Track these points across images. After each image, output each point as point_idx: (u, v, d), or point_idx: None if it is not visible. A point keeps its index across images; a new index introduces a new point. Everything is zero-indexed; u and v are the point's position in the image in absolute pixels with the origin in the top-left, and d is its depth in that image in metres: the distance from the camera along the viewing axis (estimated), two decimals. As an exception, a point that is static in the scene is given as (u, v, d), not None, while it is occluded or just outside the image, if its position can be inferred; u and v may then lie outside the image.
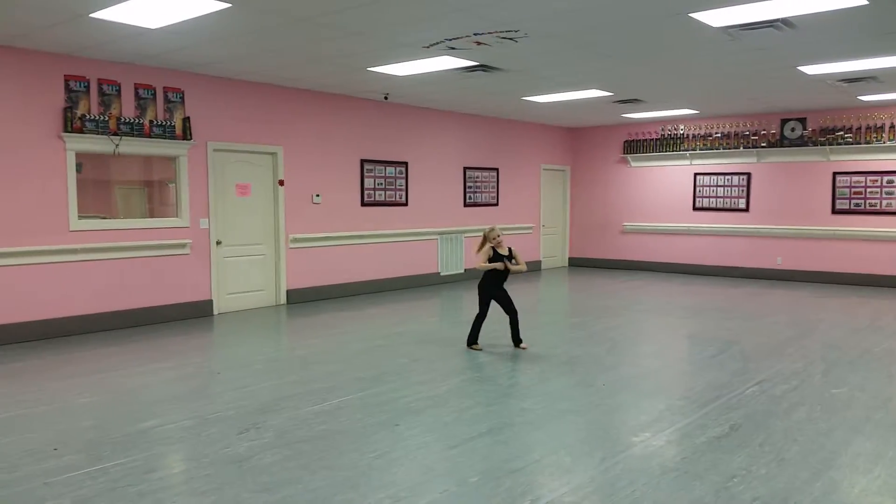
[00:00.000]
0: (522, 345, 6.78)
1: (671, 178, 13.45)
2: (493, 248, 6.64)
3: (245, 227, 8.95)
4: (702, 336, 7.70)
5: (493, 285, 6.70)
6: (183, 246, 8.19)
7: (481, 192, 12.55)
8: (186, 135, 8.05)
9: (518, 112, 12.04)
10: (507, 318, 6.83)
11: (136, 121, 7.64)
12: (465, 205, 12.22)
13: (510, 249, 6.73)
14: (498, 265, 6.61)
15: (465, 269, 12.08)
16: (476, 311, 6.83)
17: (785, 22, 5.99)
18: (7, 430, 4.49)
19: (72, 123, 7.16)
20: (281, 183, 9.20)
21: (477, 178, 12.43)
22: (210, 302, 8.55)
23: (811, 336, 7.49)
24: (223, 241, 8.66)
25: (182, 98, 8.04)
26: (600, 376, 5.88)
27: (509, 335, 6.87)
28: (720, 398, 5.17)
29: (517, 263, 6.70)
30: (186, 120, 8.05)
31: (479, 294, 6.78)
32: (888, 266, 11.24)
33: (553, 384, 5.68)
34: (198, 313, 8.41)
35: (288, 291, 9.45)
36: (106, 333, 7.49)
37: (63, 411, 4.91)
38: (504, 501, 3.38)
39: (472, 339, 6.82)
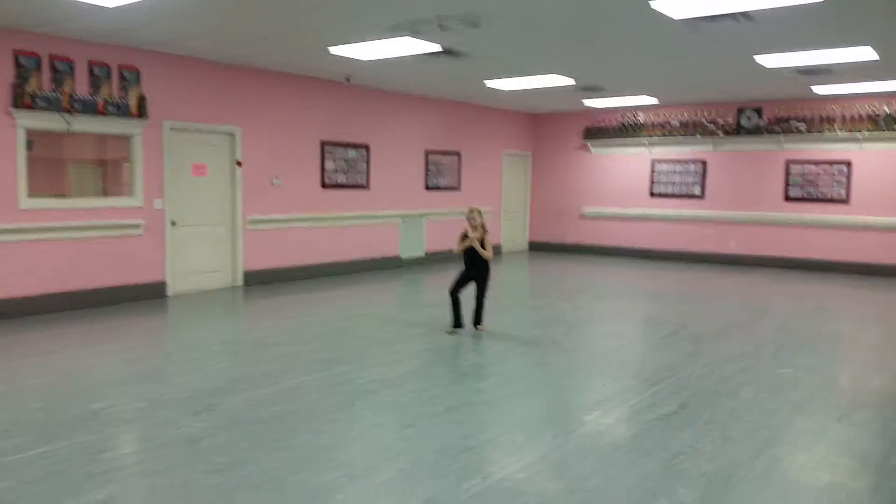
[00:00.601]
0: (480, 326, 6.72)
1: (630, 165, 13.62)
2: (464, 232, 6.65)
3: (201, 207, 8.81)
4: (656, 318, 7.86)
5: (466, 265, 6.70)
6: (136, 227, 8.03)
7: (443, 176, 12.55)
8: (142, 113, 7.88)
9: (481, 97, 12.05)
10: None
11: (90, 99, 7.45)
12: (427, 188, 12.21)
13: (483, 236, 6.59)
14: (457, 247, 6.67)
15: (426, 253, 12.10)
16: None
17: (744, 15, 6.09)
18: (-48, 412, 4.39)
19: (21, 100, 6.94)
20: (238, 164, 9.07)
21: (439, 161, 12.42)
22: (164, 284, 8.41)
23: (762, 319, 7.70)
24: (178, 221, 8.52)
25: (138, 77, 7.86)
26: (557, 357, 5.97)
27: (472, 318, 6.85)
28: (670, 378, 5.28)
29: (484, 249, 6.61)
30: (142, 99, 7.88)
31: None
32: (838, 252, 11.57)
33: (510, 364, 5.75)
34: (152, 295, 8.27)
35: (245, 273, 9.35)
36: (57, 315, 7.33)
37: (12, 393, 4.81)
38: (457, 479, 3.42)
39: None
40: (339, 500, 3.19)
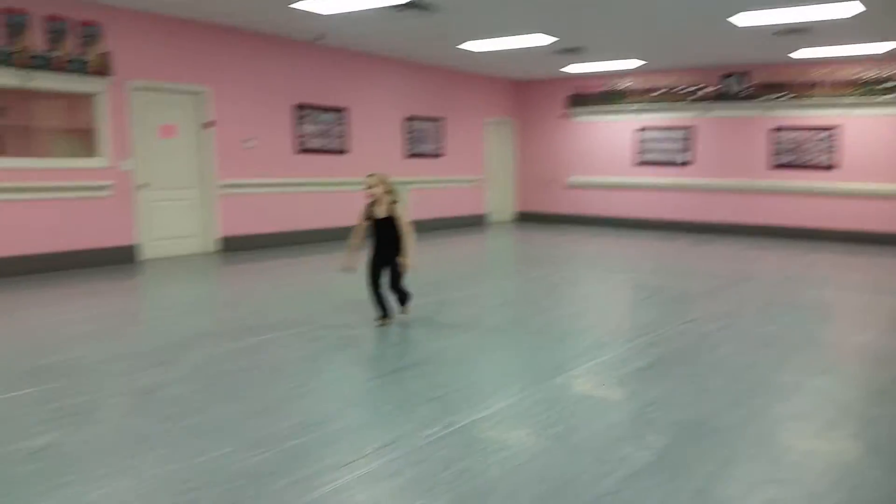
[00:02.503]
0: (406, 308, 5.43)
1: (615, 132, 13.42)
2: (371, 203, 5.16)
3: (172, 170, 8.56)
4: (637, 283, 7.73)
5: (375, 239, 5.24)
6: (103, 188, 7.79)
7: (425, 143, 12.31)
8: (104, 71, 7.60)
9: (461, 62, 11.79)
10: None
11: (49, 55, 7.16)
12: (408, 155, 11.98)
13: (392, 208, 5.15)
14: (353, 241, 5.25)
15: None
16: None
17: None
18: None
19: (-25, 55, 6.68)
20: (209, 125, 8.81)
21: (420, 128, 12.18)
22: (135, 247, 8.19)
23: (745, 284, 7.57)
24: (149, 184, 8.28)
25: (99, 32, 7.57)
26: (532, 318, 5.83)
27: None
28: (647, 335, 5.14)
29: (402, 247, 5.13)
30: (104, 55, 7.59)
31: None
32: (825, 220, 11.46)
33: (483, 324, 5.60)
34: (123, 259, 8.05)
35: (221, 239, 9.13)
36: (20, 277, 7.10)
37: (-39, 349, 4.62)
38: (418, 426, 3.27)
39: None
40: (291, 447, 3.03)
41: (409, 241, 5.11)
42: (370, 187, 5.11)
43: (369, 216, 5.21)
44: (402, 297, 5.34)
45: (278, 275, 7.69)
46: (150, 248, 8.37)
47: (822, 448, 3.14)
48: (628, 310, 6.37)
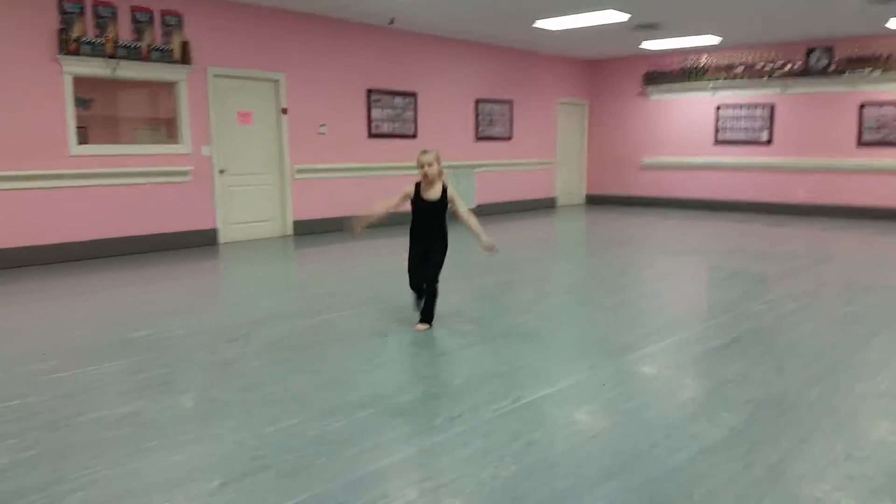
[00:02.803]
0: (419, 325, 4.60)
1: (693, 111, 13.01)
2: (417, 184, 4.60)
3: (248, 155, 8.82)
4: (713, 264, 7.51)
5: (420, 227, 4.65)
6: (185, 173, 8.10)
7: (494, 126, 12.25)
8: (185, 59, 7.88)
9: (533, 42, 11.65)
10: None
11: (134, 44, 7.47)
12: (477, 139, 11.96)
13: (445, 190, 4.56)
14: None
15: (478, 205, 11.90)
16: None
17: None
18: (-2, 339, 4.50)
19: (68, 46, 7.02)
20: (284, 111, 9.03)
21: (490, 111, 12.12)
22: (215, 231, 8.49)
23: (827, 264, 7.26)
24: (226, 169, 8.56)
25: (180, 22, 7.84)
26: (605, 297, 5.75)
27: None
28: (725, 314, 5.00)
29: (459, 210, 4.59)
30: (185, 44, 7.87)
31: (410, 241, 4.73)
32: (914, 199, 10.85)
33: (552, 302, 5.56)
34: (203, 242, 8.36)
35: (295, 222, 9.36)
36: (106, 259, 7.47)
37: (55, 324, 4.90)
38: (484, 400, 3.29)
39: (421, 311, 4.67)
40: (362, 417, 3.10)
41: (475, 221, 4.60)
42: (426, 165, 4.47)
43: (417, 197, 4.59)
44: (431, 296, 4.60)
45: (350, 257, 7.84)
46: (228, 232, 8.66)
47: (909, 429, 3.00)
48: (704, 290, 6.20)
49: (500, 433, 2.91)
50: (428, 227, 4.59)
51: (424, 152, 4.53)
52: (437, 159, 4.51)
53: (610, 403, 3.29)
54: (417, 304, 4.73)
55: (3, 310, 5.39)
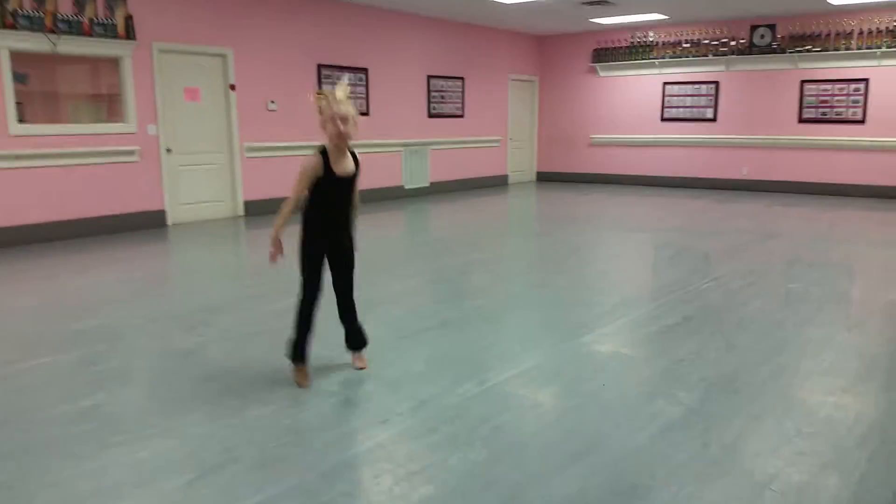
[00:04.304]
0: (357, 360, 3.57)
1: (640, 88, 13.20)
2: (323, 153, 3.28)
3: (197, 134, 8.60)
4: (662, 242, 7.70)
5: (329, 215, 3.42)
6: (131, 153, 7.86)
7: (446, 103, 12.22)
8: (129, 34, 7.61)
9: (484, 17, 11.61)
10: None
11: (75, 18, 7.18)
12: (430, 115, 11.91)
13: (356, 158, 3.40)
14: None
15: (431, 183, 11.89)
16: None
17: None
18: (-58, 331, 4.34)
19: (3, 19, 6.69)
20: (232, 87, 8.81)
21: (442, 87, 12.07)
22: (163, 212, 8.29)
23: (772, 241, 7.51)
24: (174, 148, 8.33)
25: (123, -5, 7.57)
26: (557, 277, 5.85)
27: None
28: (675, 292, 5.15)
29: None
30: (129, 18, 7.59)
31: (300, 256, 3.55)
32: (854, 175, 11.26)
33: (509, 285, 5.63)
34: (151, 224, 8.16)
35: (246, 202, 9.20)
36: (51, 243, 7.23)
37: (1, 313, 4.75)
38: (450, 384, 3.34)
39: (296, 353, 3.42)
40: (330, 404, 3.11)
41: (356, 212, 3.46)
42: (343, 120, 3.18)
43: (328, 173, 3.25)
44: (354, 311, 3.60)
45: (305, 237, 7.75)
46: (177, 213, 8.47)
47: (850, 402, 3.16)
48: (654, 268, 6.37)
49: (466, 418, 2.96)
50: (340, 212, 3.39)
51: (331, 96, 3.17)
52: (356, 110, 3.26)
53: (572, 384, 3.37)
54: (307, 343, 3.40)
55: (-57, 299, 5.20)
